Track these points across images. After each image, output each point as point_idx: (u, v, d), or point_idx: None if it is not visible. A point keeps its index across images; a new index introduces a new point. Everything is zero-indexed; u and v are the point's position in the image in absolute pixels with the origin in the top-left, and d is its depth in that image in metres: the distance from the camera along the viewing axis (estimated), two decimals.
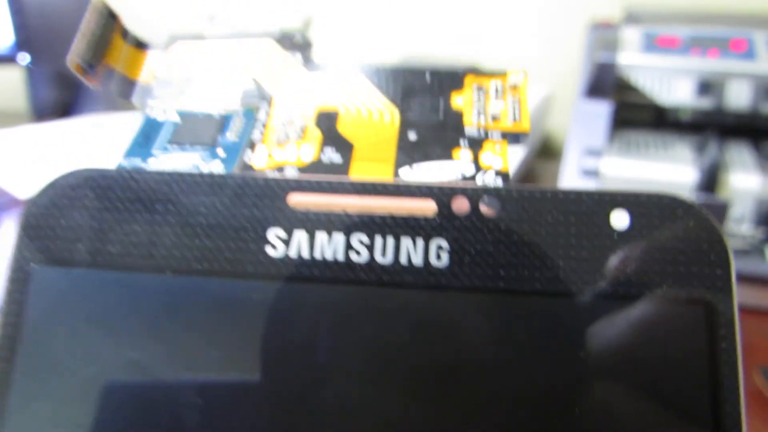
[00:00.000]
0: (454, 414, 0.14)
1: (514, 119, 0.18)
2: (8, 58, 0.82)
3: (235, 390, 0.15)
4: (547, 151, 0.79)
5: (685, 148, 0.62)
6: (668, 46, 0.63)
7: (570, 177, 0.57)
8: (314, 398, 0.14)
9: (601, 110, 0.63)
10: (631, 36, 0.64)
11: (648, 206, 0.15)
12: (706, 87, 0.63)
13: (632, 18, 0.68)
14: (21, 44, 0.82)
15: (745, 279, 0.52)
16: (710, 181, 0.58)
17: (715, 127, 0.63)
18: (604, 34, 0.65)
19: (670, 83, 0.64)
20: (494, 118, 0.18)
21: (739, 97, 0.62)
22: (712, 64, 0.62)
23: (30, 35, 0.82)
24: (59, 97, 0.88)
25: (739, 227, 0.56)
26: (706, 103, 0.63)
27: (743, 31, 0.62)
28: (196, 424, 0.14)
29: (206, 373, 0.15)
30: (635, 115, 0.66)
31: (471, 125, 0.18)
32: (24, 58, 0.83)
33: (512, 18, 0.79)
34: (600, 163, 0.58)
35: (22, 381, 0.15)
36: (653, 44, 0.63)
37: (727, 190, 0.57)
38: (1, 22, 0.81)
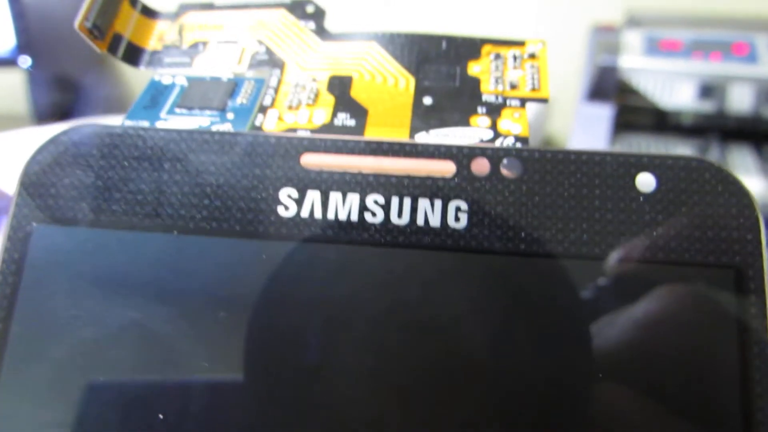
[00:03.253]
0: (467, 376, 0.14)
1: (533, 87, 0.17)
2: (9, 62, 0.82)
3: (241, 351, 0.14)
4: None
5: (686, 151, 0.62)
6: (670, 49, 0.63)
7: None
8: (327, 362, 0.14)
9: (603, 114, 0.63)
10: (633, 39, 0.64)
11: (675, 169, 0.14)
12: (707, 90, 0.63)
13: (634, 21, 0.68)
14: (22, 47, 0.82)
15: None
16: None
17: (716, 130, 0.63)
18: (606, 38, 0.65)
19: (672, 86, 0.64)
20: (512, 86, 0.17)
21: (740, 100, 0.62)
22: (713, 67, 0.62)
23: (31, 39, 0.82)
24: (60, 101, 0.88)
25: None
26: (707, 106, 0.63)
27: (745, 34, 0.62)
28: (201, 385, 0.14)
29: (213, 336, 0.14)
30: (637, 118, 0.66)
31: (489, 92, 0.17)
32: (25, 61, 0.82)
33: (514, 21, 0.79)
34: None
35: (18, 345, 0.14)
36: (655, 47, 0.63)
37: None
38: (2, 26, 0.80)
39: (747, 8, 0.67)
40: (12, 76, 0.87)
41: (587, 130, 0.63)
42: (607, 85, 0.64)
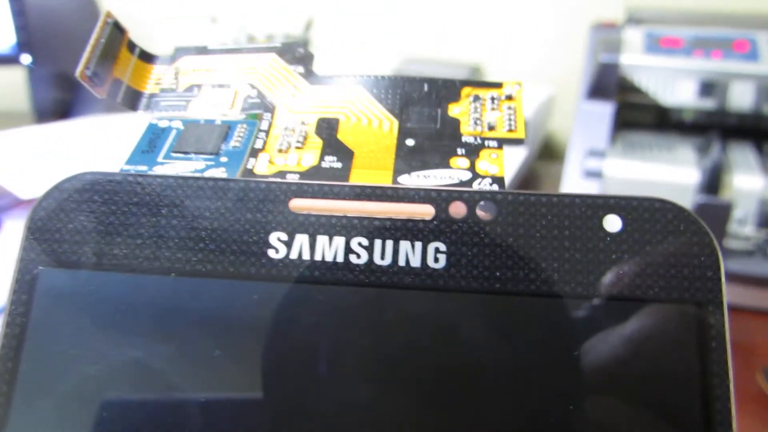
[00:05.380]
0: (451, 413, 0.15)
1: (510, 128, 0.18)
2: (10, 59, 0.83)
3: (236, 390, 0.15)
4: (549, 153, 0.79)
5: (687, 149, 0.62)
6: (671, 46, 0.63)
7: (572, 178, 0.58)
8: (315, 398, 0.15)
9: (604, 111, 0.63)
10: (634, 37, 0.64)
11: (639, 210, 0.15)
12: (709, 88, 0.63)
13: (635, 19, 0.68)
14: (23, 45, 0.82)
15: (749, 280, 0.52)
16: (713, 182, 0.58)
17: (718, 128, 0.63)
18: (607, 35, 0.65)
19: (673, 84, 0.64)
20: (490, 127, 0.18)
21: (742, 98, 0.62)
22: (715, 64, 0.61)
23: (32, 36, 0.83)
24: (61, 98, 0.88)
25: (742, 228, 0.56)
26: (709, 104, 0.63)
27: (746, 32, 0.62)
28: (198, 421, 0.15)
29: (209, 373, 0.15)
30: (638, 116, 0.66)
31: (468, 134, 0.18)
32: (26, 59, 0.83)
33: (515, 19, 0.79)
34: (603, 165, 0.58)
35: (26, 381, 0.15)
36: (656, 45, 0.63)
37: (730, 192, 0.57)
38: (3, 23, 0.81)
39: (748, 6, 0.67)
40: (13, 74, 0.88)
41: (588, 127, 0.63)
42: (607, 83, 0.64)
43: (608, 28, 0.66)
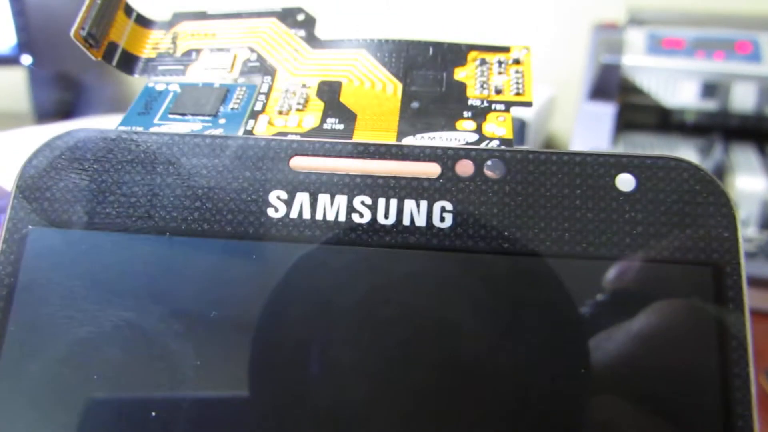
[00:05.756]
0: (454, 374, 0.14)
1: (518, 91, 0.18)
2: (11, 60, 0.83)
3: (233, 352, 0.14)
4: None
5: (689, 150, 0.62)
6: (673, 47, 0.63)
7: None
8: (316, 359, 0.14)
9: (606, 112, 0.62)
10: (636, 38, 0.64)
11: (654, 169, 0.15)
12: (711, 89, 0.63)
13: (637, 19, 0.68)
14: (23, 46, 0.82)
15: (751, 282, 0.51)
16: None
17: (720, 129, 0.63)
18: (609, 36, 0.65)
19: (675, 85, 0.64)
20: (497, 91, 0.18)
21: (744, 99, 0.62)
22: (717, 66, 0.61)
23: (32, 37, 0.83)
24: (61, 99, 0.88)
25: (745, 230, 0.56)
26: (711, 105, 0.63)
27: (748, 33, 0.62)
28: (191, 385, 0.14)
29: (205, 335, 0.14)
30: (640, 117, 0.66)
31: (474, 97, 0.18)
32: (26, 59, 0.83)
33: (516, 19, 0.79)
34: None
35: (14, 344, 0.15)
36: (658, 46, 0.63)
37: (733, 193, 0.56)
38: (3, 24, 0.81)
39: (750, 7, 0.66)
40: (13, 74, 0.87)
41: (589, 128, 0.63)
42: (609, 84, 0.64)
43: (610, 28, 0.66)
